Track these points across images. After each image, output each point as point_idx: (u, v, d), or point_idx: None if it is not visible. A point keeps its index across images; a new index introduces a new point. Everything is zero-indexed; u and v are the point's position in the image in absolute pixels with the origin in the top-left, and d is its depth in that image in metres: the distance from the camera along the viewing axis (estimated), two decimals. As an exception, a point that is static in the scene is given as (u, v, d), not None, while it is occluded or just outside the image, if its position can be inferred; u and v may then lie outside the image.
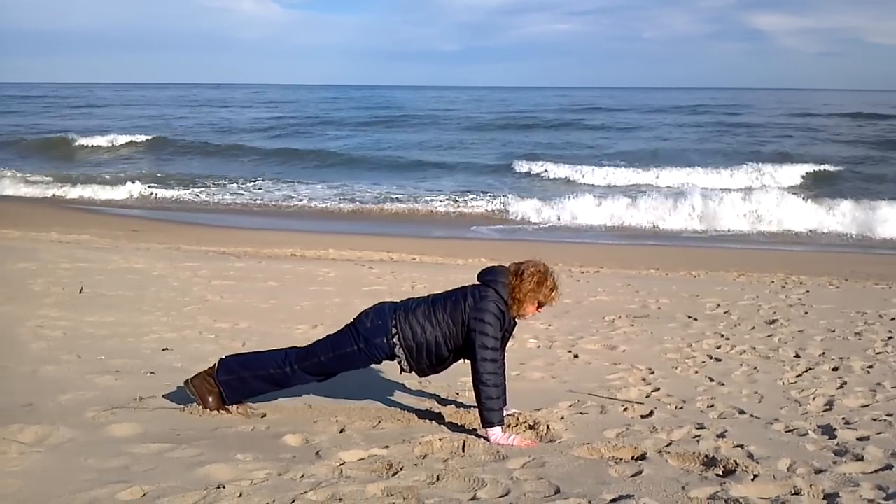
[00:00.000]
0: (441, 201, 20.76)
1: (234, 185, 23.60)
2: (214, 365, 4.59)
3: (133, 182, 22.77)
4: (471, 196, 21.27)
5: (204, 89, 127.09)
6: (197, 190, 22.70)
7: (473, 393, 4.36)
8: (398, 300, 4.58)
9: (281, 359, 4.53)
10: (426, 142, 36.12)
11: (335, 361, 4.47)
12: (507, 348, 4.64)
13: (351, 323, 4.50)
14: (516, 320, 4.51)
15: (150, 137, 34.28)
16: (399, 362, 4.42)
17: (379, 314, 4.45)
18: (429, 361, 4.43)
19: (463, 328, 4.33)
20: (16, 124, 43.25)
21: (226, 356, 4.68)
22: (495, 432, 4.26)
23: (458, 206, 20.24)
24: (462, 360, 4.49)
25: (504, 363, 4.52)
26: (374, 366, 5.75)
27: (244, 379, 4.53)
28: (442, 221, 18.94)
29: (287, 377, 4.50)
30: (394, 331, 4.37)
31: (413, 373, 4.52)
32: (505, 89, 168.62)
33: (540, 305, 4.44)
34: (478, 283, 4.45)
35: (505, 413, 4.53)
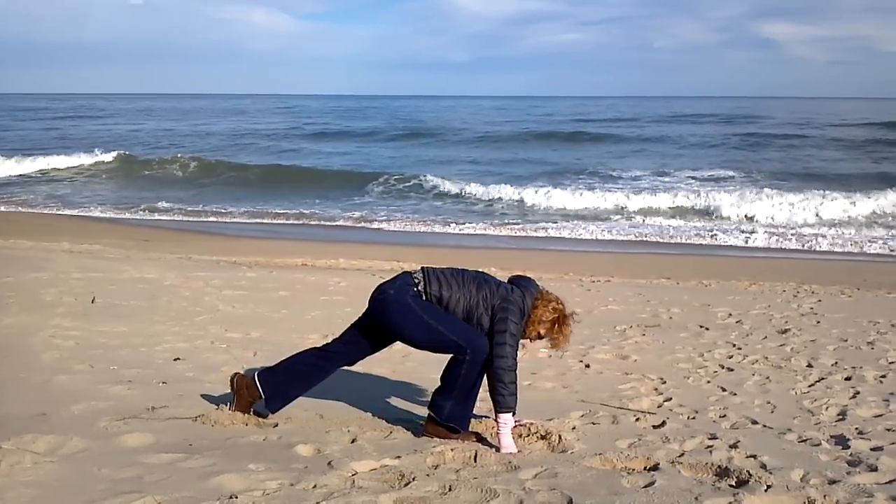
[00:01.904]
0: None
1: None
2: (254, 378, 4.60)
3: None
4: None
5: (214, 99, 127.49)
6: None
7: (488, 381, 4.31)
8: None
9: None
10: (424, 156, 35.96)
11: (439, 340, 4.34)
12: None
13: (370, 308, 4.44)
14: None
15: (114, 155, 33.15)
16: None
17: (395, 280, 4.45)
18: None
19: (481, 306, 4.31)
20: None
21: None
22: (508, 419, 4.27)
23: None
24: None
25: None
26: (385, 375, 5.80)
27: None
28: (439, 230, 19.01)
29: None
30: (416, 280, 4.37)
31: None
32: (516, 98, 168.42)
33: (539, 338, 4.46)
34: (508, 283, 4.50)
35: (516, 422, 4.54)
